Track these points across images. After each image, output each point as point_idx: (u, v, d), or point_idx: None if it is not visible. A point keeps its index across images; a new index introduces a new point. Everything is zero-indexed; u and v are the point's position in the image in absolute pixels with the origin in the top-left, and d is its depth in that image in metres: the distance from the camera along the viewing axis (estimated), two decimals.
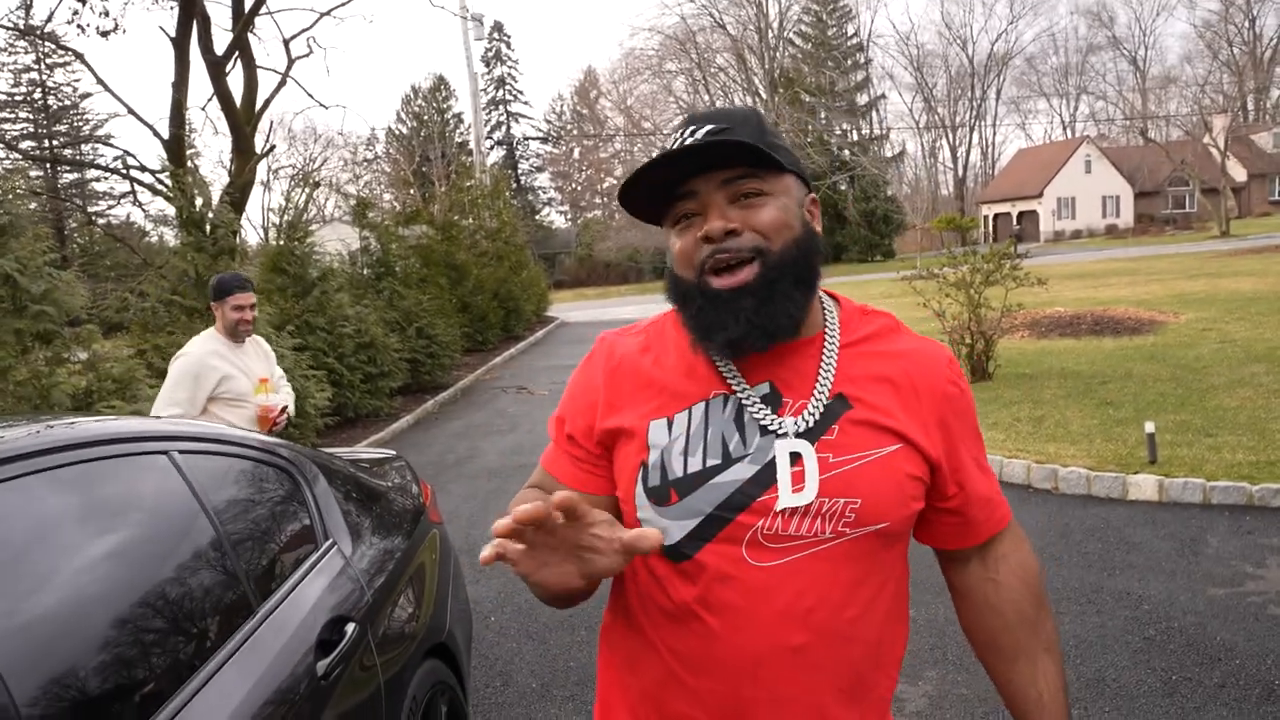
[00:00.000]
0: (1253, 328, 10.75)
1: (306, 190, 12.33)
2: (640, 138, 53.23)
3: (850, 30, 52.56)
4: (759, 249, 1.16)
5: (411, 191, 38.55)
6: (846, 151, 47.98)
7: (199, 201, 8.96)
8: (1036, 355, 10.45)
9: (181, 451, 2.06)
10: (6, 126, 45.89)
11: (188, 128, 12.43)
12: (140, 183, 13.97)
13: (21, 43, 40.06)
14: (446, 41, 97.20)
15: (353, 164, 54.86)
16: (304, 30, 14.89)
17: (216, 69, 13.14)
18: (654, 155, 1.17)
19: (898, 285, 9.36)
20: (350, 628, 2.17)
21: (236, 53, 13.52)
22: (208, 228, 8.79)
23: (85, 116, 47.32)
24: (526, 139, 66.58)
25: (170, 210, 9.27)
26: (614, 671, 1.35)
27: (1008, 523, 1.36)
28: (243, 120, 13.48)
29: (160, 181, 12.69)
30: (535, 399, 12.21)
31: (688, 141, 1.16)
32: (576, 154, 67.75)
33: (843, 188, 46.75)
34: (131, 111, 13.33)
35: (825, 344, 1.24)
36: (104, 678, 1.52)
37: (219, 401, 4.10)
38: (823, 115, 48.49)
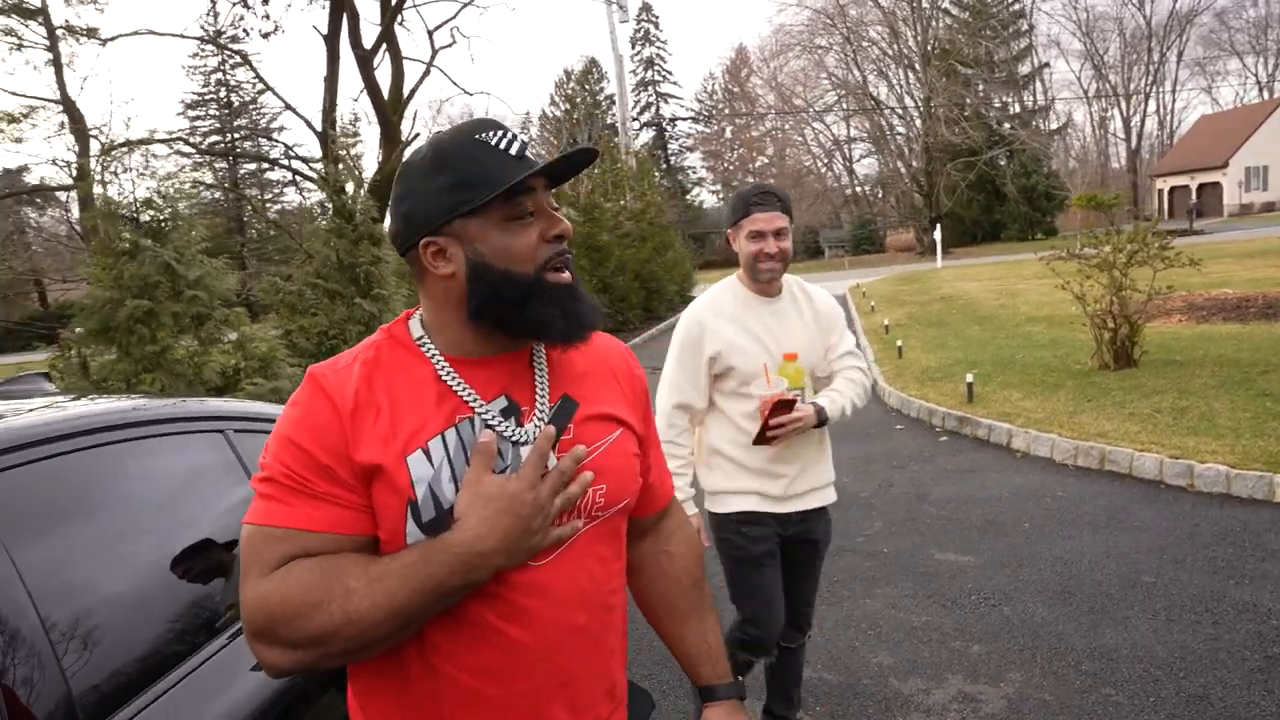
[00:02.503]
0: None
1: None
2: (792, 115, 52.43)
3: None
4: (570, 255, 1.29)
5: None
6: (1006, 125, 45.84)
7: (349, 188, 9.46)
8: (1192, 341, 9.75)
9: (237, 430, 2.20)
10: (197, 124, 49.47)
11: (338, 120, 13.04)
12: (300, 174, 14.83)
13: (210, 47, 43.04)
14: (597, 24, 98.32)
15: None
16: (447, 21, 15.44)
17: (365, 62, 13.73)
18: (511, 150, 1.22)
19: (1048, 265, 8.90)
20: None
21: (384, 45, 14.08)
22: (357, 215, 9.25)
23: (262, 111, 50.40)
24: (675, 119, 66.61)
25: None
26: None
27: (672, 494, 1.57)
28: (390, 110, 14.04)
29: (315, 171, 13.45)
30: None
31: (514, 146, 1.22)
32: (728, 133, 67.32)
33: (1001, 163, 44.75)
34: (290, 108, 14.23)
35: (534, 349, 1.31)
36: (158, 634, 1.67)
37: (722, 390, 2.76)
38: (979, 88, 46.42)
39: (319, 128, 13.92)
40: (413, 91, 14.74)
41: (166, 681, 1.63)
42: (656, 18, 65.18)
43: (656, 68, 65.76)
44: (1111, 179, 58.66)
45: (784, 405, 2.59)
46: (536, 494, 1.13)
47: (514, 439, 1.22)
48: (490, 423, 1.21)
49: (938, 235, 33.45)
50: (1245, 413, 6.55)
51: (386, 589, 1.09)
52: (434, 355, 1.24)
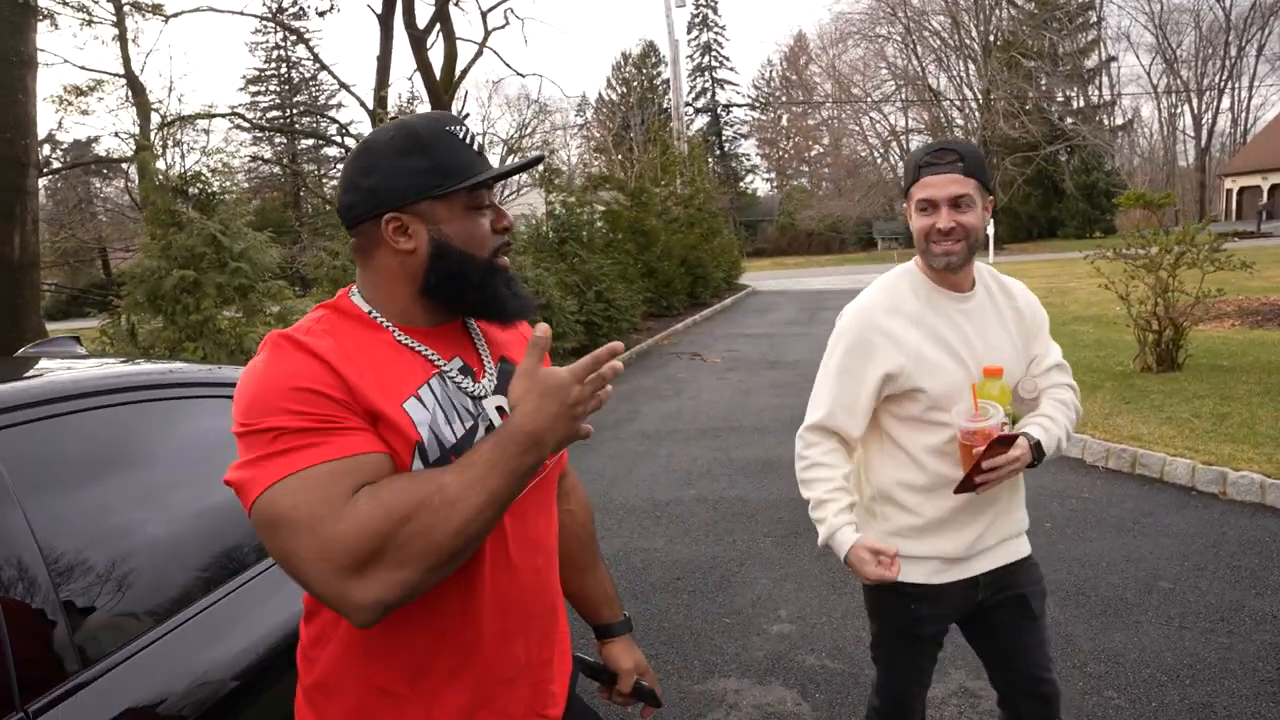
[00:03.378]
0: None
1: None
2: (849, 104, 51.84)
3: None
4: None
5: (616, 158, 39.35)
6: (1068, 120, 44.90)
7: None
8: (1242, 346, 9.54)
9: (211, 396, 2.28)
10: (258, 99, 50.27)
11: (390, 99, 13.20)
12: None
13: (272, 23, 43.65)
14: (654, 8, 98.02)
15: (564, 129, 56.39)
16: (502, 2, 15.50)
17: (419, 42, 13.88)
18: (528, 158, 1.49)
19: (1102, 264, 8.77)
20: None
21: (438, 25, 14.20)
22: None
23: (321, 88, 51.03)
24: (731, 105, 66.21)
25: None
26: (375, 681, 1.32)
27: (568, 457, 1.69)
28: (441, 90, 14.18)
29: None
30: (708, 366, 12.30)
31: (474, 146, 1.36)
32: (784, 121, 66.76)
33: (1061, 159, 43.87)
34: (344, 86, 14.44)
35: (465, 321, 1.44)
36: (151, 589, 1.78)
37: (898, 414, 2.13)
38: (1042, 81, 45.48)
39: (372, 106, 14.08)
40: (464, 72, 14.86)
41: (175, 620, 1.77)
42: (715, 3, 64.80)
43: (713, 53, 65.34)
44: (1179, 177, 57.18)
45: (1001, 442, 1.92)
46: (581, 386, 1.20)
47: (475, 394, 1.35)
48: (455, 378, 1.33)
49: (991, 230, 32.92)
50: None
51: (479, 476, 1.16)
52: (387, 324, 1.33)
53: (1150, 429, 6.56)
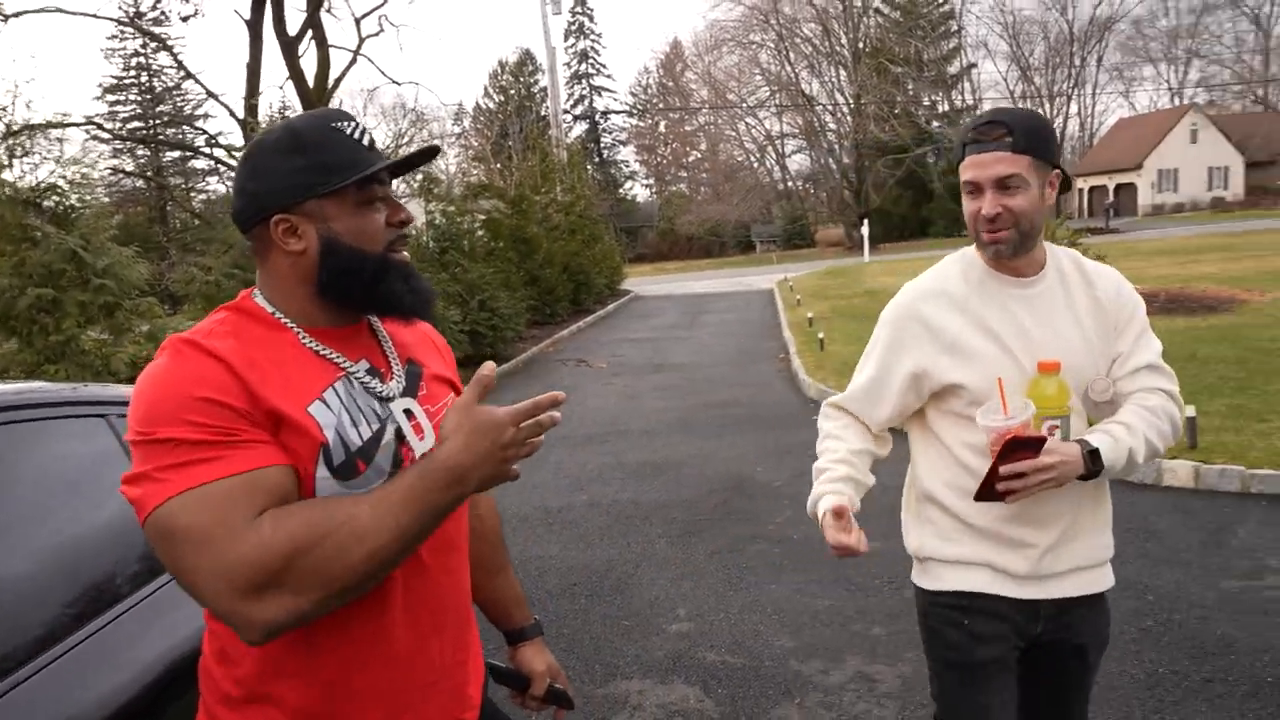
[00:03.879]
0: None
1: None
2: (725, 110, 52.78)
3: None
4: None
5: (495, 166, 39.11)
6: (934, 123, 46.80)
7: None
8: None
9: (120, 416, 2.17)
10: (117, 109, 47.95)
11: (262, 108, 12.80)
12: (222, 162, 14.52)
13: (129, 28, 41.76)
14: (531, 15, 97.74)
15: (441, 138, 55.67)
16: (375, 8, 15.23)
17: (290, 49, 13.52)
18: (423, 147, 1.41)
19: None
20: None
21: (310, 32, 13.85)
22: None
23: (186, 98, 49.05)
24: (609, 112, 66.60)
25: None
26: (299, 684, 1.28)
27: None
28: (315, 98, 13.83)
29: (238, 160, 13.24)
30: (594, 372, 12.34)
31: (364, 141, 1.32)
32: (661, 127, 67.51)
33: (929, 160, 45.67)
34: (211, 94, 13.88)
35: (371, 324, 1.43)
36: (33, 631, 1.65)
37: (941, 408, 1.92)
38: (909, 86, 47.31)
39: (242, 115, 13.63)
40: (339, 80, 14.56)
41: (38, 663, 1.62)
42: (591, 10, 65.21)
43: (590, 61, 65.70)
44: None
45: (1023, 444, 1.65)
46: (516, 430, 1.20)
47: (383, 394, 1.33)
48: (362, 379, 1.32)
49: (865, 230, 34.02)
50: None
51: (391, 510, 1.14)
52: (292, 326, 1.30)
53: None
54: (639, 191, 66.87)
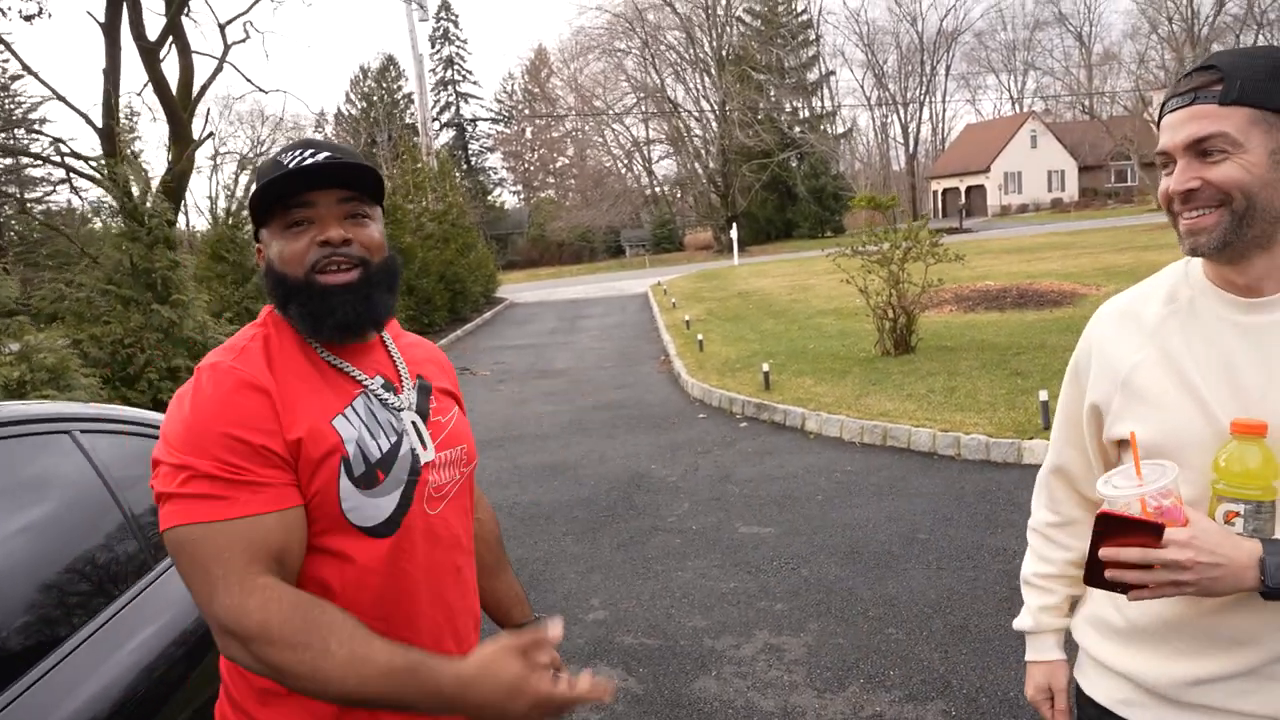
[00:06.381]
0: None
1: (247, 175, 12.39)
2: (592, 116, 53.15)
3: (800, 7, 52.84)
4: (363, 259, 1.39)
5: None
6: (796, 129, 48.35)
7: (135, 190, 9.02)
8: (960, 328, 10.83)
9: (84, 431, 2.23)
10: None
11: (121, 115, 12.34)
12: (76, 170, 13.87)
13: None
14: (395, 21, 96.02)
15: None
16: (240, 15, 14.84)
17: (150, 55, 13.06)
18: (302, 165, 1.34)
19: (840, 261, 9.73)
20: None
21: (170, 38, 13.42)
22: (145, 217, 8.84)
23: (18, 99, 46.16)
24: (476, 119, 66.13)
25: (109, 198, 9.30)
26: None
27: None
28: (179, 106, 13.41)
29: (96, 170, 12.67)
30: (478, 379, 12.39)
31: (308, 162, 1.35)
32: (528, 134, 67.42)
33: (792, 165, 47.16)
34: (62, 99, 13.24)
35: (385, 341, 1.53)
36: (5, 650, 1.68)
37: (1108, 464, 1.47)
38: (771, 93, 48.76)
39: (95, 121, 13.07)
40: (204, 87, 14.07)
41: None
42: (456, 16, 64.60)
43: (456, 67, 64.98)
44: (893, 180, 62.79)
45: (1126, 526, 1.20)
46: (542, 703, 1.20)
47: (395, 406, 1.43)
48: (379, 394, 1.42)
49: (734, 234, 34.93)
50: (1001, 390, 7.42)
51: (360, 674, 1.18)
52: (314, 343, 1.41)
53: (895, 405, 7.38)
54: (507, 198, 66.62)
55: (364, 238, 1.39)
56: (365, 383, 1.42)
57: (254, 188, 1.36)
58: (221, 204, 11.32)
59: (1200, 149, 1.23)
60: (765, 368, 9.10)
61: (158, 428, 2.51)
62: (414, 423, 1.44)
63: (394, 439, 1.39)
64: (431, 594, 1.43)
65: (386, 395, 1.43)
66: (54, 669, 1.71)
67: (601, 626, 4.23)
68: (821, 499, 5.74)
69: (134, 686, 1.85)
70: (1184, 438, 1.28)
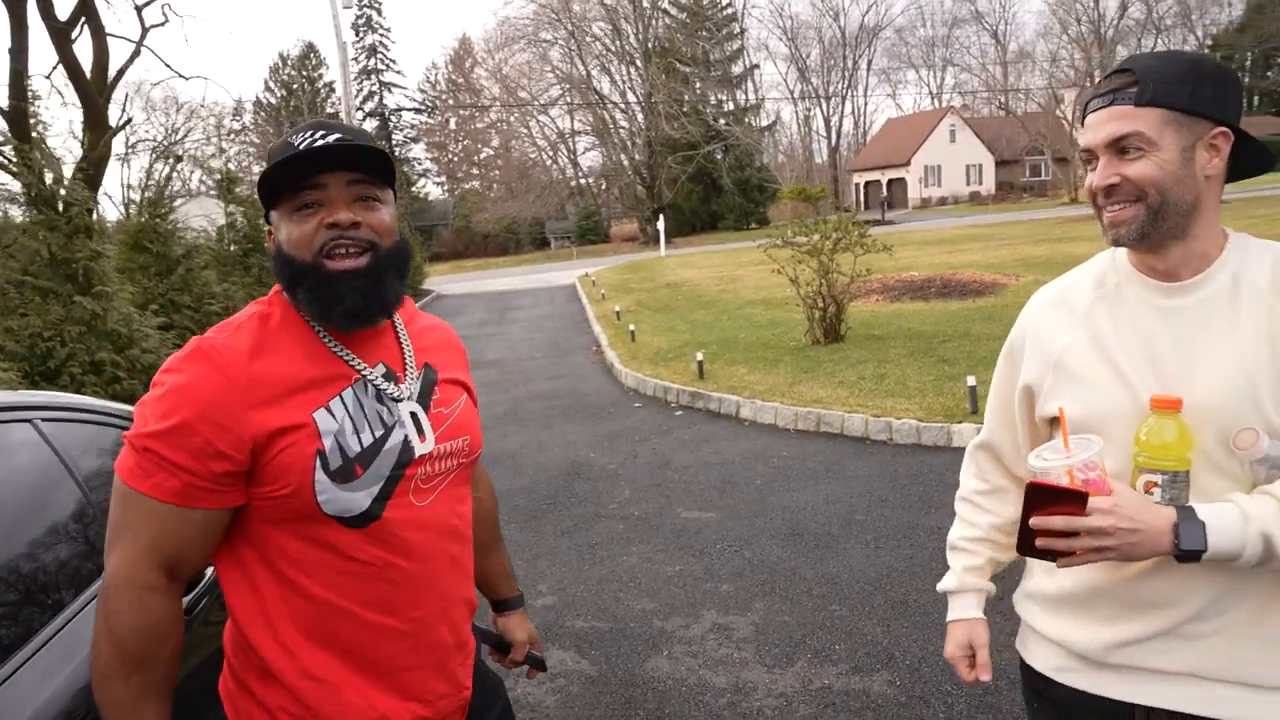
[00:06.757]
0: None
1: (168, 164, 12.07)
2: (517, 108, 52.80)
3: (725, 1, 53.21)
4: (372, 243, 1.38)
5: None
6: (721, 121, 48.72)
7: (49, 178, 8.71)
8: (888, 317, 11.10)
9: (45, 420, 2.20)
10: None
11: (30, 98, 11.87)
12: None
13: None
14: (316, 8, 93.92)
15: (219, 136, 52.73)
16: None
17: (61, 35, 12.60)
18: (312, 146, 1.34)
19: (763, 252, 9.89)
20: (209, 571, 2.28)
21: (83, 19, 12.98)
22: (60, 205, 8.55)
23: None
24: (400, 109, 65.13)
25: (16, 185, 8.96)
26: (303, 668, 1.40)
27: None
28: (95, 91, 12.98)
29: (3, 155, 12.18)
30: None
31: (319, 143, 1.34)
32: (452, 124, 66.68)
33: (718, 157, 47.53)
34: None
35: (396, 327, 1.53)
36: None
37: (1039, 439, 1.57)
38: (697, 85, 49.06)
39: (3, 104, 12.58)
40: (120, 72, 13.61)
41: None
42: (379, 4, 63.27)
43: (380, 55, 63.82)
44: (816, 172, 63.79)
45: (1053, 495, 1.30)
46: None
47: (395, 396, 1.43)
48: (376, 384, 1.42)
49: (661, 225, 35.09)
50: (929, 376, 7.65)
51: (115, 717, 1.30)
52: (316, 327, 1.41)
53: (828, 392, 7.56)
54: (432, 190, 65.82)
55: (374, 221, 1.39)
56: (363, 371, 1.41)
57: (267, 172, 1.35)
58: (142, 192, 10.99)
59: (1119, 146, 1.34)
60: (699, 357, 9.22)
61: (122, 417, 2.50)
62: (413, 413, 1.44)
63: (381, 432, 1.38)
64: (423, 583, 1.43)
65: (385, 385, 1.42)
66: (28, 661, 1.69)
67: (551, 611, 4.28)
68: (760, 484, 5.87)
69: None
70: (1109, 413, 1.39)
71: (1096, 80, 1.31)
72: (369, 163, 1.38)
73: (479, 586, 1.76)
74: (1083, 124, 1.41)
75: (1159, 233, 1.35)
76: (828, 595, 4.12)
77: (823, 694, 3.32)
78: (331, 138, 1.36)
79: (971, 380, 6.51)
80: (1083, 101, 1.45)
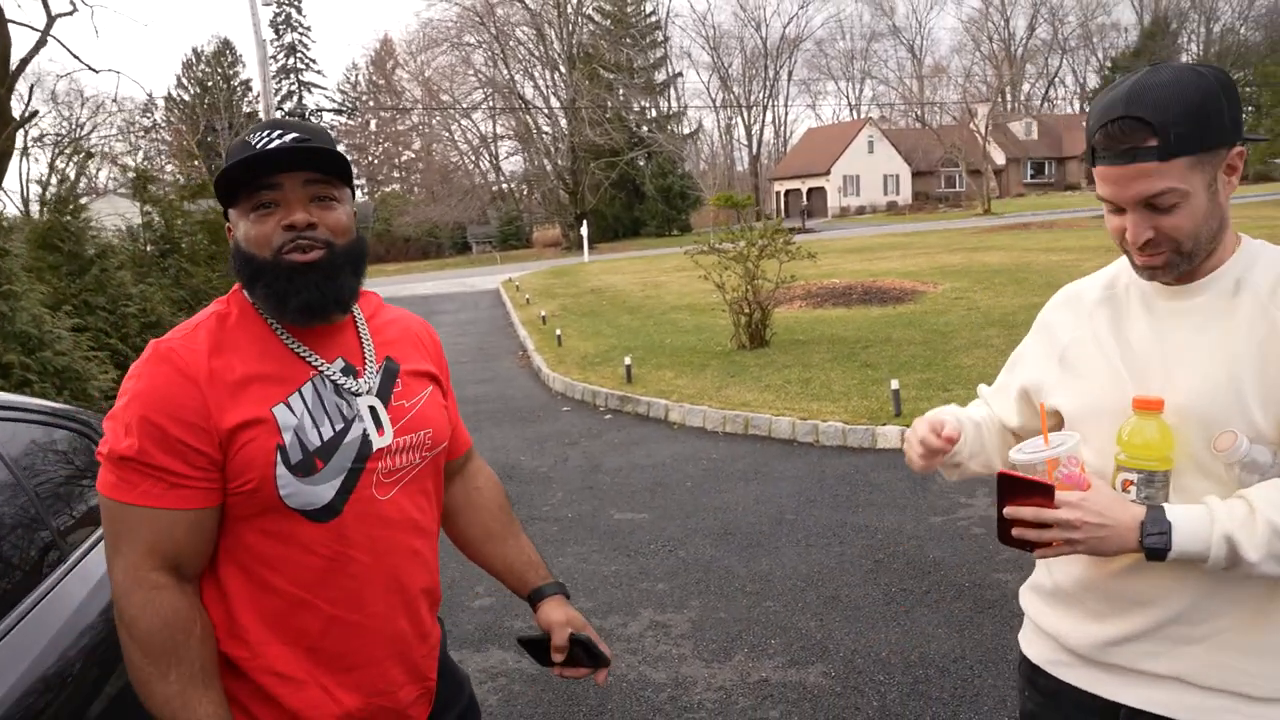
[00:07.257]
0: (994, 296, 12.06)
1: (77, 160, 11.68)
2: (439, 111, 52.31)
3: (649, 8, 53.64)
4: (328, 242, 1.40)
5: (196, 163, 36.61)
6: (644, 128, 49.01)
7: None
8: (811, 323, 11.34)
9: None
10: None
11: None
12: None
13: None
14: (233, 3, 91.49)
15: (129, 132, 51.06)
16: None
17: None
18: (266, 148, 1.35)
19: (687, 259, 10.03)
20: None
21: None
22: None
23: None
24: (320, 110, 63.99)
25: None
26: (270, 667, 1.42)
27: (471, 442, 1.81)
28: None
29: None
30: None
31: (274, 144, 1.36)
32: (373, 126, 65.78)
33: (641, 164, 47.79)
34: None
35: (356, 321, 1.55)
36: None
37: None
38: (620, 92, 49.27)
39: None
40: (24, 62, 13.10)
41: None
42: (299, 2, 62.18)
43: (299, 54, 62.75)
44: (737, 180, 64.64)
45: (1024, 487, 1.33)
46: None
47: (354, 391, 1.45)
48: (334, 379, 1.43)
49: (584, 231, 35.13)
50: (853, 380, 7.86)
51: (175, 715, 1.31)
52: (273, 323, 1.43)
53: (754, 396, 7.71)
54: None
55: (330, 221, 1.41)
56: (321, 367, 1.43)
57: (224, 171, 1.36)
58: (44, 189, 10.60)
59: (1153, 204, 1.31)
60: (628, 361, 9.30)
61: (60, 416, 2.46)
62: (371, 407, 1.45)
63: (340, 426, 1.40)
64: (385, 576, 1.45)
65: (343, 380, 1.44)
66: None
67: (489, 613, 4.30)
68: (691, 485, 5.97)
69: (63, 672, 1.82)
70: (1101, 410, 1.42)
71: (1080, 108, 1.32)
72: (326, 163, 1.39)
73: (505, 584, 1.77)
74: (1091, 162, 1.37)
75: (1191, 265, 1.36)
76: (761, 592, 4.22)
77: (760, 686, 3.41)
78: (289, 137, 1.37)
79: (895, 384, 6.72)
80: (1087, 140, 1.39)
